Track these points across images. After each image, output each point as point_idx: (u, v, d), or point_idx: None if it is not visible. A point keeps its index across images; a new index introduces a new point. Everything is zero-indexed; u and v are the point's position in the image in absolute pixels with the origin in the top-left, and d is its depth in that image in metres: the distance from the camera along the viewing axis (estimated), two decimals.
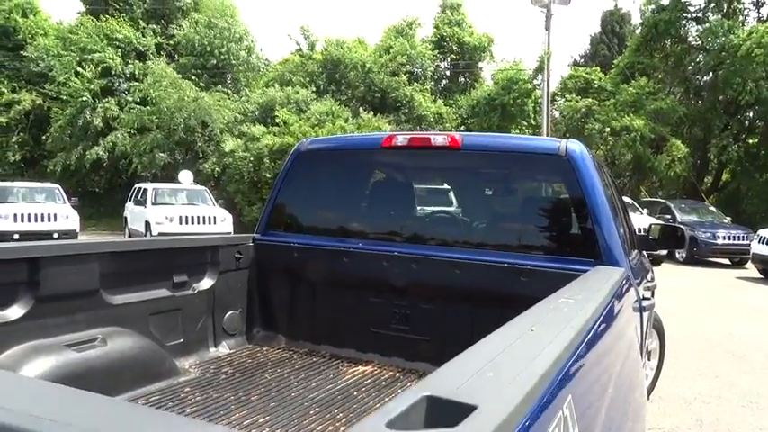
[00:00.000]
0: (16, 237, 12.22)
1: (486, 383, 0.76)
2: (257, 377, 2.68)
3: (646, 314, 3.01)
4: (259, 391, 2.50)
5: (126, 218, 16.47)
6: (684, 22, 22.23)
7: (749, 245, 13.33)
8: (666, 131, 20.10)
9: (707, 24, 20.90)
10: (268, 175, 17.86)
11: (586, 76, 22.89)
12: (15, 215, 12.94)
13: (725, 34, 19.50)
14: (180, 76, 21.57)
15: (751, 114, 22.06)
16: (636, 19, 26.37)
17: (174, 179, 17.23)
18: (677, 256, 14.97)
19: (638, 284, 2.81)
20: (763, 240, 12.06)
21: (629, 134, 19.44)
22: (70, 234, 13.28)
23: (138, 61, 23.12)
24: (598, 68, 23.66)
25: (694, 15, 22.13)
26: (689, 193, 21.21)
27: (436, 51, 24.60)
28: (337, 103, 21.25)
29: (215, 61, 23.92)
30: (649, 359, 4.25)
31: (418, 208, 3.61)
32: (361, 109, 21.83)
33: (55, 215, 13.50)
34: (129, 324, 2.50)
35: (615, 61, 23.84)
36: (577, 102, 21.45)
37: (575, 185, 2.64)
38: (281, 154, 17.01)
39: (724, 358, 5.80)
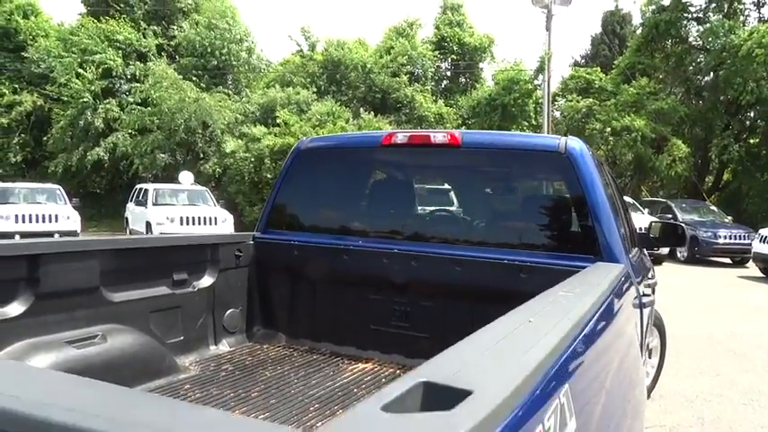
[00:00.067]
0: (17, 237, 12.24)
1: (482, 370, 0.75)
2: (257, 374, 2.68)
3: (646, 311, 3.00)
4: (259, 388, 2.50)
5: (127, 218, 16.50)
6: (685, 22, 22.20)
7: (750, 244, 13.31)
8: (667, 131, 20.08)
9: (708, 25, 20.88)
10: (269, 176, 17.87)
11: (587, 77, 22.87)
12: (17, 216, 12.97)
13: (726, 34, 19.47)
14: (181, 76, 21.60)
15: (752, 114, 22.03)
16: (636, 19, 26.38)
17: (174, 180, 17.24)
18: (678, 255, 14.96)
19: (639, 282, 2.80)
20: (764, 239, 12.04)
21: (630, 134, 19.41)
22: (71, 235, 13.27)
23: (138, 62, 23.16)
24: (599, 69, 23.65)
25: (695, 16, 22.12)
26: (690, 192, 21.18)
27: (437, 52, 24.62)
28: (338, 103, 21.26)
29: (216, 62, 23.95)
30: (650, 357, 4.25)
31: (419, 207, 3.61)
32: (361, 110, 21.85)
33: (56, 216, 13.53)
34: (130, 321, 2.49)
35: (616, 61, 23.82)
36: (578, 102, 21.43)
37: (574, 182, 2.64)
38: (282, 154, 17.01)
39: (725, 357, 5.80)
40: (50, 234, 12.89)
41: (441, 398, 0.66)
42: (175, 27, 24.93)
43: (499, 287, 2.59)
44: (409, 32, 24.24)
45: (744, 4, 22.00)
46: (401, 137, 3.03)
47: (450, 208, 4.29)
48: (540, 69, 20.86)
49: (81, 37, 22.91)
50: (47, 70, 22.66)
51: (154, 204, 14.55)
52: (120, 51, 23.22)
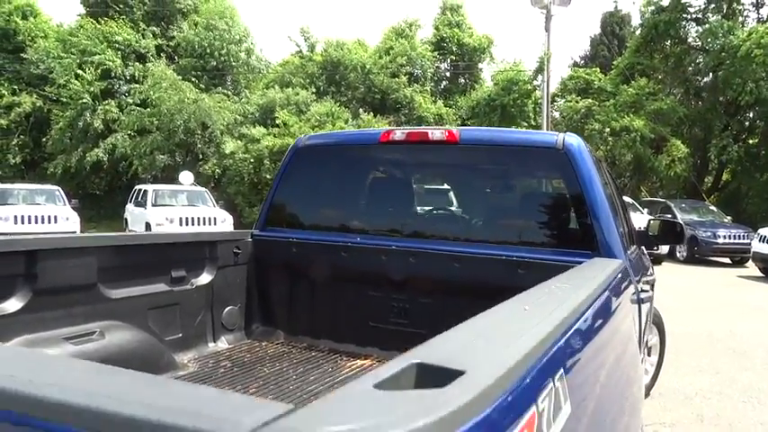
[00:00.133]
0: None
1: (475, 352, 0.76)
2: (256, 371, 2.68)
3: (644, 307, 3.00)
4: (257, 384, 2.50)
5: (126, 219, 16.48)
6: (684, 22, 22.23)
7: (750, 244, 13.32)
8: (667, 132, 20.10)
9: (707, 25, 20.90)
10: (268, 177, 17.88)
11: (586, 77, 22.89)
12: (16, 217, 12.96)
13: (725, 35, 19.49)
14: (180, 77, 21.60)
15: (751, 114, 22.05)
16: (636, 20, 26.43)
17: (174, 181, 17.25)
18: (678, 255, 14.97)
19: (637, 278, 2.80)
20: (763, 239, 12.05)
21: (630, 134, 19.43)
22: None
23: (138, 63, 23.18)
24: (598, 69, 23.67)
25: (694, 16, 22.14)
26: (689, 192, 21.19)
27: (436, 52, 24.63)
28: (337, 104, 21.27)
29: (215, 63, 23.97)
30: (649, 355, 4.25)
31: (418, 207, 3.61)
32: (361, 110, 21.85)
33: (55, 217, 13.51)
34: (128, 318, 2.49)
35: (615, 62, 23.84)
36: (577, 102, 21.45)
37: (572, 178, 2.64)
38: (282, 155, 16.95)
39: (725, 355, 5.80)
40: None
41: (434, 377, 0.66)
42: (174, 28, 24.96)
43: (497, 283, 2.59)
44: (408, 33, 24.25)
45: (743, 4, 22.04)
46: (399, 134, 3.04)
47: (450, 208, 4.29)
48: (539, 70, 20.88)
49: (80, 38, 22.94)
50: (46, 71, 22.69)
51: (153, 205, 14.55)
52: (119, 52, 23.24)
